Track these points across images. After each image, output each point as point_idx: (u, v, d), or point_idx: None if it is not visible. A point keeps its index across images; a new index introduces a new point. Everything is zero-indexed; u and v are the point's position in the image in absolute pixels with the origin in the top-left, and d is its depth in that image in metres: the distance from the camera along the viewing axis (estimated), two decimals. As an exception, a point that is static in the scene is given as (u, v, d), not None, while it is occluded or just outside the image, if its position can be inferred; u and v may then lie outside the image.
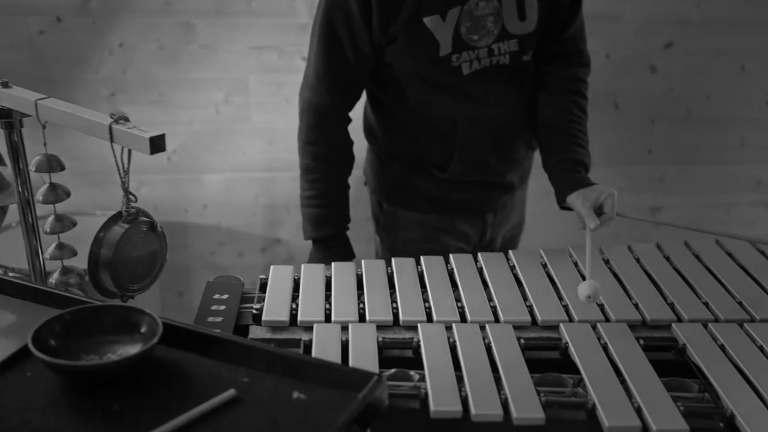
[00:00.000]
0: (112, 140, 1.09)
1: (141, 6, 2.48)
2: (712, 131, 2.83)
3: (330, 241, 1.79)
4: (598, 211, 1.54)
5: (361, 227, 1.98)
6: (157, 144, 1.09)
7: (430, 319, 1.35)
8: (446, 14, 1.60)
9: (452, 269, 1.52)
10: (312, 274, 1.49)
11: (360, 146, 1.87)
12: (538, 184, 1.80)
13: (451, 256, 1.55)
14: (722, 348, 1.28)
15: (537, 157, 1.83)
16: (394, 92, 1.73)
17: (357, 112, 1.83)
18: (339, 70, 1.68)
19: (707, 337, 1.31)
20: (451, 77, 1.67)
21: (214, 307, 1.39)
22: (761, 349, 1.28)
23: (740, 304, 1.42)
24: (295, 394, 0.97)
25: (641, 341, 1.29)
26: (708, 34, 2.68)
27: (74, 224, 1.26)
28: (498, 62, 1.68)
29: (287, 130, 2.51)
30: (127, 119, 1.09)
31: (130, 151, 1.12)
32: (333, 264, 1.52)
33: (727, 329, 1.33)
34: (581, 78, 1.77)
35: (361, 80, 1.73)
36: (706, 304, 1.42)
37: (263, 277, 1.48)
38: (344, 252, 1.79)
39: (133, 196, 1.19)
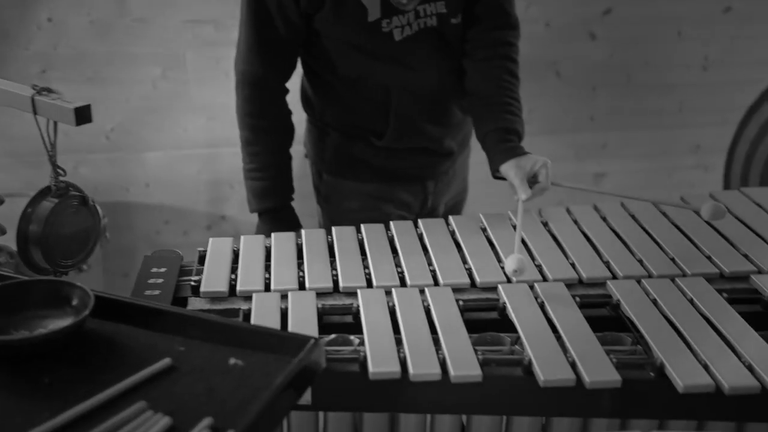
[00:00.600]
0: (35, 112, 1.07)
1: (70, -21, 2.43)
2: (652, 96, 2.88)
3: (275, 213, 1.79)
4: (533, 180, 1.54)
5: (305, 202, 1.98)
6: (82, 114, 1.08)
7: (369, 284, 1.36)
8: None
9: (392, 236, 1.53)
10: (252, 245, 1.49)
11: (300, 118, 1.86)
12: (482, 152, 1.81)
13: (391, 223, 1.57)
14: (654, 302, 1.31)
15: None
16: (327, 62, 1.73)
17: (296, 84, 1.83)
18: (270, 40, 1.67)
19: (641, 293, 1.34)
20: (383, 44, 1.66)
21: (151, 281, 1.38)
22: (691, 301, 1.32)
23: (673, 260, 1.45)
24: (232, 361, 0.98)
25: (577, 299, 1.32)
26: (645, 1, 2.72)
27: (2, 202, 1.24)
28: (426, 24, 1.67)
29: (228, 105, 2.48)
30: (51, 90, 1.08)
31: (55, 124, 1.10)
32: (273, 234, 1.52)
33: (659, 284, 1.36)
34: (510, 41, 1.75)
35: (294, 50, 1.73)
36: (640, 261, 1.45)
37: (201, 249, 1.48)
38: (290, 223, 1.79)
39: (62, 170, 1.18)
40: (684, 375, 1.12)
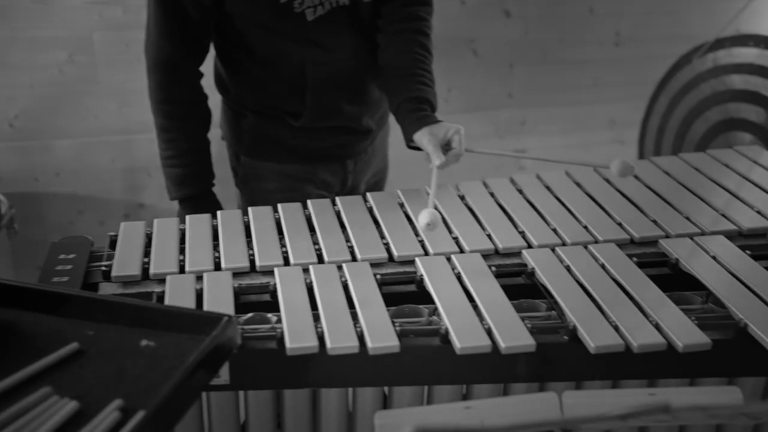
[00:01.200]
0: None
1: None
2: (568, 73, 2.93)
3: (196, 200, 1.76)
4: (447, 147, 1.55)
5: (223, 185, 1.96)
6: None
7: (287, 263, 1.36)
8: None
9: (310, 214, 1.52)
10: (165, 228, 1.47)
11: (216, 101, 1.84)
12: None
13: (308, 201, 1.56)
14: (568, 269, 1.34)
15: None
16: (240, 44, 1.71)
17: (210, 67, 1.80)
18: (180, 24, 1.64)
19: (555, 260, 1.37)
20: (296, 25, 1.65)
21: (59, 267, 1.35)
22: (603, 266, 1.35)
23: (585, 228, 1.49)
24: (144, 342, 0.97)
25: (493, 269, 1.34)
26: (558, -22, 2.77)
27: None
28: (338, 3, 1.66)
29: (140, 89, 2.44)
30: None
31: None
32: (187, 217, 1.50)
33: (572, 252, 1.40)
34: (422, 16, 1.75)
35: (205, 33, 1.70)
36: (554, 230, 1.48)
37: (113, 234, 1.45)
38: (212, 209, 1.76)
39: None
40: (595, 336, 1.15)
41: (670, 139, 2.83)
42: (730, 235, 1.48)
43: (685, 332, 1.17)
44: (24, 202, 2.57)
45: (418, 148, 1.61)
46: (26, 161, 2.57)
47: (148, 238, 1.45)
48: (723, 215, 1.55)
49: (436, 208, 1.49)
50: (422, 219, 1.34)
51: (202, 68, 1.74)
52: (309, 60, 1.70)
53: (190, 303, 1.22)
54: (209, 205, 1.76)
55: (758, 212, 1.57)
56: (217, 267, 1.34)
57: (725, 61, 2.63)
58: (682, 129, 2.78)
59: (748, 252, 1.41)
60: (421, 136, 1.57)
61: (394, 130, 2.01)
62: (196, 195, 1.76)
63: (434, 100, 1.67)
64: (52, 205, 2.66)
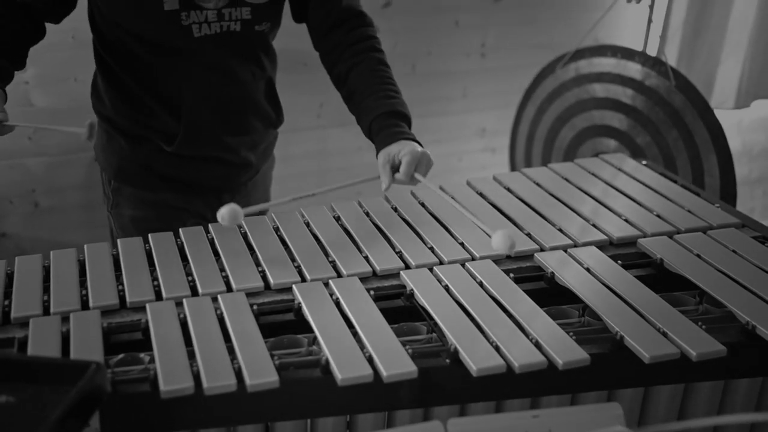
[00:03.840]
0: None
1: None
2: (437, 84, 2.97)
3: None
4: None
5: (97, 210, 1.87)
6: None
7: (159, 297, 1.31)
8: None
9: (182, 243, 1.48)
10: (27, 266, 1.39)
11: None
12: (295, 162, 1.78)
13: (180, 230, 1.51)
14: (446, 288, 1.35)
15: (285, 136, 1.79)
16: (121, 57, 1.64)
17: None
18: None
19: (433, 280, 1.37)
20: (180, 38, 1.59)
21: None
22: (480, 284, 1.36)
23: (462, 245, 1.50)
24: (2, 398, 0.91)
25: (372, 292, 1.33)
26: (421, -7, 2.81)
27: None
28: (229, 28, 1.62)
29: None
30: None
31: None
32: (51, 253, 1.42)
33: (450, 270, 1.40)
34: (371, 35, 1.72)
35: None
36: (431, 249, 1.48)
37: (-35, 276, 1.36)
38: None
39: None
40: (477, 359, 1.16)
41: (539, 146, 2.91)
42: (601, 245, 1.53)
43: (564, 349, 1.18)
44: None
45: None
46: None
47: (9, 278, 1.36)
48: (594, 225, 1.60)
49: (316, 237, 1.48)
50: (502, 243, 1.32)
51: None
52: (188, 80, 1.64)
53: (55, 347, 1.15)
54: None
55: (626, 221, 1.62)
56: (85, 306, 1.28)
57: (587, 71, 2.74)
58: (550, 136, 2.87)
59: (619, 262, 1.45)
60: (380, 155, 1.56)
61: (281, 164, 1.98)
62: None
63: (405, 110, 1.64)
64: None
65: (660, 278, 1.45)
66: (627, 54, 2.65)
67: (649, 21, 2.78)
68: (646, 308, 1.30)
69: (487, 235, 1.42)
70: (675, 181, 1.84)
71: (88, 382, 0.90)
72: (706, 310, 1.36)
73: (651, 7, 2.73)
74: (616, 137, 2.71)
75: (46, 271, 1.38)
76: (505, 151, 3.15)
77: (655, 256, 1.49)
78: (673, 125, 2.54)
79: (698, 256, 1.49)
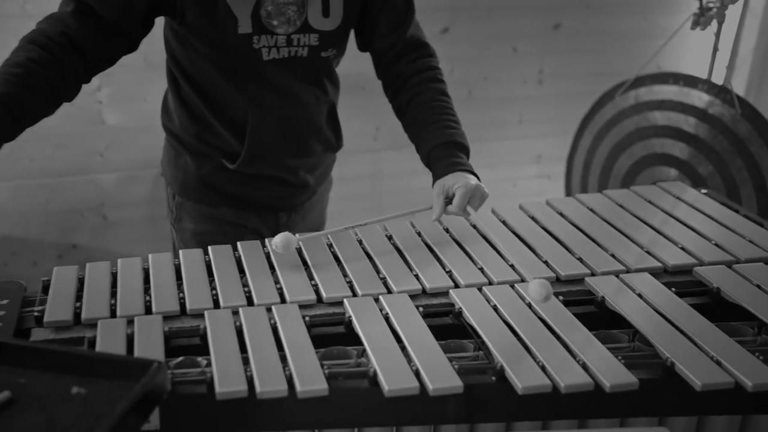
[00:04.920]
0: None
1: None
2: (493, 110, 3.01)
3: None
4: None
5: (162, 224, 1.96)
6: None
7: (217, 305, 1.37)
8: None
9: (240, 256, 1.53)
10: (97, 273, 1.46)
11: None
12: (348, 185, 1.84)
13: (239, 244, 1.57)
14: (495, 308, 1.37)
15: (341, 158, 1.85)
16: (192, 77, 1.71)
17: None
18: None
19: (482, 300, 1.40)
20: (250, 60, 1.65)
21: (-8, 314, 1.34)
22: (529, 306, 1.38)
23: (512, 267, 1.52)
24: (74, 389, 0.97)
25: (420, 308, 1.36)
26: (480, 19, 2.85)
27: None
28: (296, 53, 1.68)
29: (74, 132, 2.45)
30: None
31: None
32: (119, 261, 1.50)
33: (499, 291, 1.43)
34: (433, 66, 1.79)
35: (136, 17, 1.56)
36: (481, 269, 1.51)
37: (45, 279, 1.44)
38: None
39: None
40: (523, 377, 1.17)
41: (596, 173, 2.91)
42: (655, 272, 1.52)
43: (612, 372, 1.18)
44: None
45: None
46: (-39, 204, 2.56)
47: (81, 282, 1.44)
48: (648, 252, 1.59)
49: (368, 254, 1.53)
50: (537, 292, 1.33)
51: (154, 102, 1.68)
52: (255, 101, 1.71)
53: (121, 347, 1.21)
54: None
55: (682, 248, 1.61)
56: (148, 311, 1.34)
57: (647, 98, 2.73)
58: (607, 164, 2.87)
59: (673, 289, 1.45)
60: (435, 187, 1.61)
61: (336, 184, 2.04)
62: None
63: (463, 141, 1.68)
64: (-13, 248, 2.64)
65: (716, 307, 1.45)
66: (690, 81, 2.64)
67: (715, 49, 2.76)
68: (699, 336, 1.29)
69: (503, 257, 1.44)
70: (737, 211, 1.82)
71: (151, 379, 0.95)
72: (765, 341, 1.34)
73: (717, 35, 2.70)
74: (677, 166, 2.69)
75: (114, 277, 1.46)
76: (560, 178, 3.16)
77: (711, 285, 1.48)
78: (737, 154, 2.51)
79: (758, 286, 1.47)
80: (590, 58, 3.09)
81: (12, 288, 1.43)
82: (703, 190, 1.94)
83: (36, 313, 1.33)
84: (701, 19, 2.50)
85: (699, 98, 2.60)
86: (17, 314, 1.35)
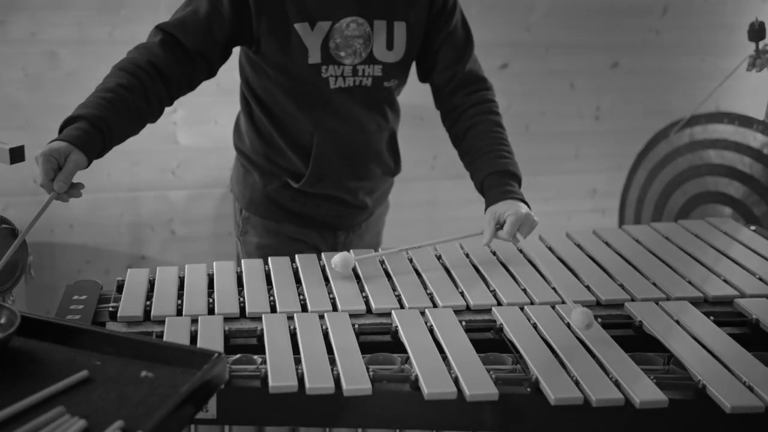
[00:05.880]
0: (-26, 154, 1.17)
1: (6, 36, 2.54)
2: (549, 144, 3.07)
3: (70, 122, 1.50)
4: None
5: (227, 240, 2.07)
6: (16, 154, 1.19)
7: (274, 310, 1.47)
8: (315, 25, 1.71)
9: (297, 268, 1.64)
10: (166, 276, 1.59)
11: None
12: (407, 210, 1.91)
13: (296, 256, 1.68)
14: (534, 326, 1.44)
15: (399, 184, 1.92)
16: (264, 102, 1.83)
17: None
18: (198, 14, 1.67)
19: (523, 318, 1.47)
20: (318, 88, 1.77)
21: (72, 307, 1.47)
22: (568, 325, 1.45)
23: (554, 289, 1.58)
24: (143, 373, 1.08)
25: (464, 323, 1.44)
26: (538, 56, 2.92)
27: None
28: (361, 83, 1.79)
29: (150, 151, 2.60)
30: (-11, 136, 1.18)
31: (-9, 162, 1.21)
32: (186, 266, 1.62)
33: (540, 311, 1.50)
34: (489, 98, 1.88)
35: (215, 44, 1.69)
36: (524, 290, 1.58)
37: (120, 279, 1.57)
38: (76, 137, 1.46)
39: (-6, 205, 1.27)
40: (556, 389, 1.23)
41: (649, 209, 2.94)
42: (695, 302, 1.57)
43: (643, 390, 1.23)
44: (40, 250, 2.74)
45: None
46: (45, 214, 2.71)
47: (151, 283, 1.57)
48: (689, 282, 1.64)
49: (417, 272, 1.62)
50: (580, 320, 1.40)
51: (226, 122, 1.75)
52: (320, 125, 1.82)
53: (185, 343, 1.32)
54: (71, 133, 1.46)
55: (725, 280, 1.65)
56: (211, 312, 1.46)
57: (701, 137, 2.75)
58: (661, 200, 2.89)
59: (711, 318, 1.49)
60: (487, 213, 1.69)
61: (393, 210, 2.12)
62: (74, 117, 1.50)
63: (516, 170, 1.76)
64: (64, 255, 2.81)
65: (754, 338, 1.48)
66: (745, 122, 2.64)
67: (771, 91, 2.77)
68: (733, 363, 1.32)
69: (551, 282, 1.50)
70: (786, 248, 1.84)
71: (212, 367, 1.06)
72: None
73: (774, 75, 2.72)
74: (731, 205, 2.69)
75: (181, 280, 1.59)
76: (615, 213, 3.19)
77: (750, 316, 1.51)
78: (792, 195, 2.52)
79: (799, 320, 1.50)
80: (647, 96, 3.13)
81: (90, 286, 1.57)
82: (752, 227, 1.98)
83: (111, 309, 1.46)
84: (757, 61, 2.53)
85: (754, 138, 2.61)
86: (94, 309, 1.48)
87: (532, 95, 3.01)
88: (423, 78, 1.93)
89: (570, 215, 3.21)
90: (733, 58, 2.86)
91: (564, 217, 3.20)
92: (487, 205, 1.72)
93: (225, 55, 1.75)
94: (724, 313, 1.55)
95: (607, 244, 1.84)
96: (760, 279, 1.67)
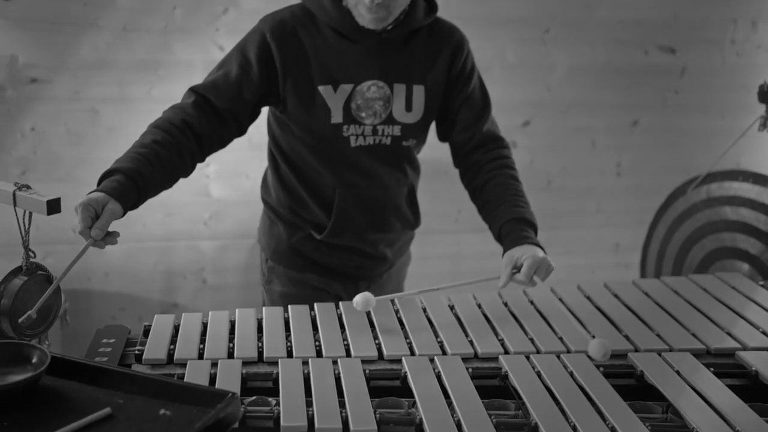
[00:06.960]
0: (15, 204, 1.29)
1: (51, 94, 2.70)
2: (571, 199, 3.13)
3: (106, 175, 1.59)
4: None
5: (253, 290, 2.13)
6: (53, 206, 1.30)
7: (290, 355, 1.56)
8: (338, 87, 1.82)
9: (315, 315, 1.73)
10: (191, 321, 1.69)
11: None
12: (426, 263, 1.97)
13: (315, 304, 1.77)
14: (538, 374, 1.51)
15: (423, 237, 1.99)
16: (289, 158, 1.93)
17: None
18: (229, 77, 1.80)
19: (528, 366, 1.54)
20: (340, 146, 1.87)
21: (101, 349, 1.57)
22: (571, 374, 1.51)
23: (560, 339, 1.65)
24: (162, 411, 1.17)
25: (470, 370, 1.51)
26: (559, 114, 3.01)
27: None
28: (380, 142, 1.89)
29: (183, 202, 2.71)
30: (28, 187, 1.30)
31: (30, 213, 1.32)
32: (210, 313, 1.72)
33: (545, 359, 1.56)
34: (505, 155, 1.97)
35: (245, 103, 1.81)
36: (531, 339, 1.65)
37: (147, 324, 1.67)
38: (113, 188, 1.55)
39: (32, 252, 1.38)
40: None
41: (669, 264, 2.97)
42: (697, 353, 1.62)
43: None
44: (77, 297, 2.84)
45: None
46: (82, 262, 2.80)
47: (176, 329, 1.67)
48: (693, 334, 1.69)
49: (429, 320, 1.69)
50: (597, 351, 1.49)
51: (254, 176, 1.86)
52: (342, 181, 1.92)
53: (204, 384, 1.42)
54: (112, 184, 1.56)
55: (728, 333, 1.70)
56: (230, 356, 1.55)
57: (718, 194, 2.80)
58: (680, 255, 2.93)
59: (711, 369, 1.54)
60: (504, 257, 1.76)
61: (417, 262, 2.19)
62: (112, 170, 1.59)
63: (532, 218, 1.84)
64: (100, 302, 2.92)
65: (753, 390, 1.53)
66: (760, 180, 2.69)
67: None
68: (730, 413, 1.37)
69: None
70: (794, 303, 1.88)
71: (226, 406, 1.15)
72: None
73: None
74: (748, 261, 2.73)
75: (204, 326, 1.68)
76: (636, 267, 3.22)
77: (750, 368, 1.56)
78: (812, 253, 2.54)
79: (799, 373, 1.54)
80: (667, 153, 3.19)
81: (118, 330, 1.68)
82: (761, 282, 2.02)
83: (137, 352, 1.56)
84: (767, 122, 2.59)
85: (769, 196, 2.65)
86: (121, 351, 1.59)
87: (555, 152, 3.09)
88: (442, 137, 2.03)
89: (594, 269, 3.25)
90: (750, 117, 2.91)
91: (588, 270, 3.24)
92: (505, 250, 1.78)
93: (254, 115, 1.87)
94: (725, 364, 1.60)
95: (616, 296, 1.90)
96: (764, 332, 1.72)
